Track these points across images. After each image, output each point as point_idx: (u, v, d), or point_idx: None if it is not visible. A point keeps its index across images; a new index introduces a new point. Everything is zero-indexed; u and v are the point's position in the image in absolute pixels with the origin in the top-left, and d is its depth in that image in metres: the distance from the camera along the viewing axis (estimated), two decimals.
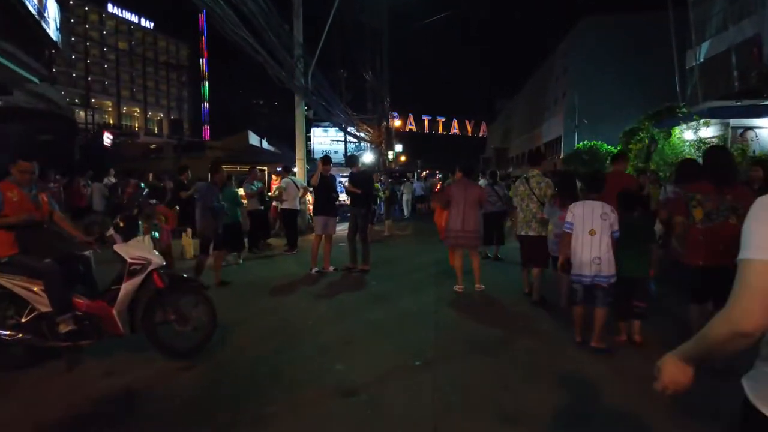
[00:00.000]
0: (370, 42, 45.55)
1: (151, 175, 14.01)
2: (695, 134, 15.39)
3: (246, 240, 10.86)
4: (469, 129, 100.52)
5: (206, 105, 79.32)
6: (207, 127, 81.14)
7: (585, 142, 23.82)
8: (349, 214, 8.86)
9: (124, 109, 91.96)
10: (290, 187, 10.62)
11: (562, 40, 45.51)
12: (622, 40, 35.26)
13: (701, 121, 14.75)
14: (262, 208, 10.73)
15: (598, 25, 37.59)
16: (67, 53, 65.49)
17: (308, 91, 14.59)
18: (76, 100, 78.72)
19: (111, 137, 35.61)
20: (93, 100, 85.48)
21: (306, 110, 14.80)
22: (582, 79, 36.31)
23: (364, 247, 8.40)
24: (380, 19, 45.54)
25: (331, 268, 8.42)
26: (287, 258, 10.18)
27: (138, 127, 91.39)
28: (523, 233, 6.55)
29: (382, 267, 8.85)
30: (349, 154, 10.79)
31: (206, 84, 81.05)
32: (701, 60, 22.88)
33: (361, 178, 8.40)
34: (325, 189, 8.18)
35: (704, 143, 15.00)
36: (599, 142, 23.08)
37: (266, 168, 15.65)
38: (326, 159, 8.52)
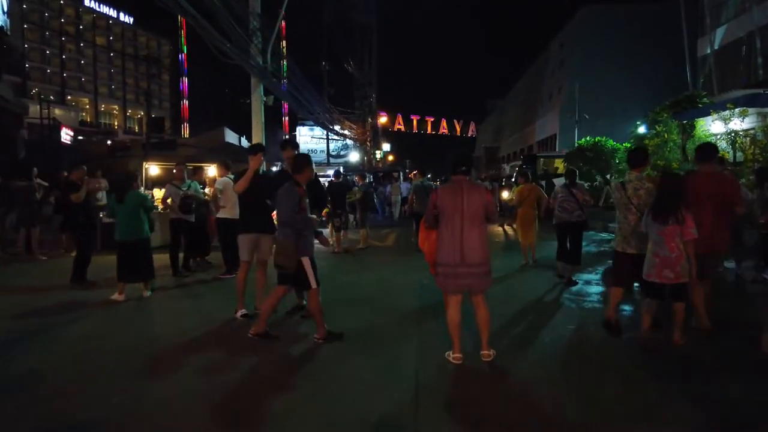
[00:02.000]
0: (358, 37, 43.45)
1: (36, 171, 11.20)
2: (726, 126, 13.06)
3: (181, 257, 8.31)
4: (458, 129, 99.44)
5: (186, 112, 76.43)
6: (187, 125, 78.46)
7: (588, 138, 21.47)
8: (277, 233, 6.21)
9: (102, 107, 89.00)
10: (229, 190, 7.92)
11: (558, 32, 43.38)
12: (624, 30, 33.17)
13: (737, 110, 12.39)
14: (192, 218, 8.11)
15: (599, 14, 35.49)
16: (16, 41, 62.19)
17: (267, 72, 12.03)
18: (51, 97, 75.79)
19: (71, 134, 32.77)
20: (69, 97, 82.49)
21: (265, 96, 12.21)
22: (581, 71, 34.07)
23: None
24: (369, 15, 43.46)
25: None
26: (221, 286, 7.56)
27: (117, 125, 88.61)
28: (619, 249, 5.10)
29: (341, 305, 6.15)
30: (284, 138, 7.76)
31: (186, 101, 78.25)
32: (716, 47, 20.64)
33: (291, 176, 5.76)
34: (255, 194, 5.61)
35: (739, 136, 12.69)
36: (604, 138, 20.75)
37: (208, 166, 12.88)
38: (256, 148, 5.93)
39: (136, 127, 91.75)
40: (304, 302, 5.87)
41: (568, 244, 7.51)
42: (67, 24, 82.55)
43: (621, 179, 5.25)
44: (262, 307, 5.03)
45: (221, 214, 7.98)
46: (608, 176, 19.90)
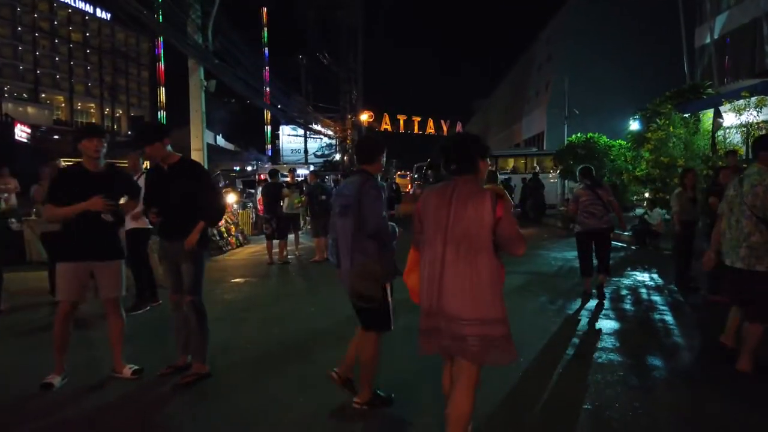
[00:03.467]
0: (343, 34, 41.87)
1: None
2: (738, 118, 11.44)
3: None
4: (445, 129, 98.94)
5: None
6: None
7: (578, 135, 19.84)
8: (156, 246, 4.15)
9: (79, 105, 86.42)
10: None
11: (545, 27, 41.91)
12: (613, 22, 31.77)
13: (753, 99, 10.75)
14: None
15: (587, 7, 33.89)
16: None
17: (209, 52, 10.16)
18: (24, 95, 73.36)
19: (27, 131, 30.56)
20: (43, 95, 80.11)
21: (206, 81, 10.33)
22: (568, 66, 32.48)
23: (196, 322, 3.87)
24: (355, 14, 41.96)
25: (128, 370, 3.94)
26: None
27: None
28: (728, 261, 4.03)
29: (253, 359, 4.36)
30: (143, 123, 5.93)
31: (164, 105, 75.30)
32: (716, 36, 19.12)
33: (168, 177, 3.89)
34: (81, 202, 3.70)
35: (754, 129, 11.09)
36: (597, 134, 19.13)
37: None
38: (90, 130, 3.92)
39: (115, 126, 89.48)
40: (189, 359, 4.01)
41: (594, 254, 6.63)
42: (41, 19, 79.94)
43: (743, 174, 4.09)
44: (363, 369, 3.29)
45: (131, 225, 6.07)
46: (603, 177, 18.31)
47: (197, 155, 10.13)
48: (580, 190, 6.68)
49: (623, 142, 18.18)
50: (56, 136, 48.70)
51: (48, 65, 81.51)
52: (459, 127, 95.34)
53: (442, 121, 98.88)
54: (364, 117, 38.36)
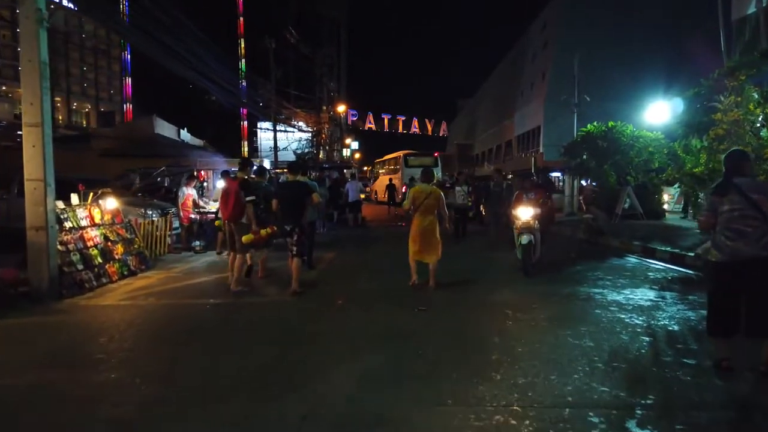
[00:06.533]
0: (326, 29, 38.53)
1: None
2: None
3: None
4: (430, 128, 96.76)
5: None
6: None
7: (596, 123, 16.21)
8: None
9: None
10: None
11: (540, 12, 38.46)
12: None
13: None
14: None
15: None
16: None
17: None
18: None
19: None
20: (3, 87, 75.77)
21: (47, 17, 6.36)
22: (569, 50, 28.90)
23: None
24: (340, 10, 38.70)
25: None
26: None
27: (61, 119, 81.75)
28: None
29: None
30: None
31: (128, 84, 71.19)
32: (764, 4, 15.61)
33: None
34: None
35: None
36: (620, 122, 15.54)
37: None
38: None
39: (84, 122, 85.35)
40: None
41: (746, 302, 3.89)
42: (1, 7, 75.04)
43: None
44: None
45: None
46: (627, 176, 14.73)
47: (33, 134, 6.12)
48: (717, 196, 4.00)
49: (653, 134, 14.64)
50: (19, 131, 44.95)
51: (9, 56, 77.12)
52: (444, 127, 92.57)
53: (427, 120, 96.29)
54: (341, 108, 34.54)
